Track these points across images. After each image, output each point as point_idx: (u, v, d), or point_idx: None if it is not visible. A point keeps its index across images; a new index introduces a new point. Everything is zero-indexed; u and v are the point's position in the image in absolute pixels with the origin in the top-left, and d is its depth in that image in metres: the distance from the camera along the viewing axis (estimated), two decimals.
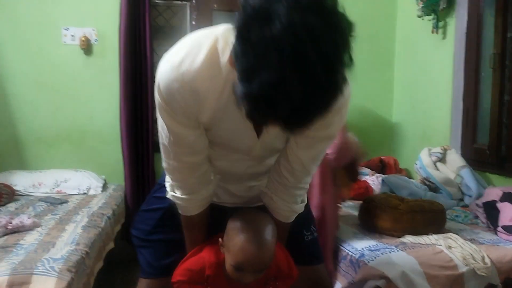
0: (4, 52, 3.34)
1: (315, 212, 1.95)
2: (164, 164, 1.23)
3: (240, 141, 1.17)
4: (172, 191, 1.26)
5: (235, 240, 1.14)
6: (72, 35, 3.41)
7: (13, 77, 3.36)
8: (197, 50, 1.00)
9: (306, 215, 1.42)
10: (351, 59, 0.82)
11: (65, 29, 3.40)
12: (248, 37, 0.79)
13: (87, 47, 3.42)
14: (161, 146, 1.18)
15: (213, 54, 0.99)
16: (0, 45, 3.34)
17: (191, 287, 1.22)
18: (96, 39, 3.46)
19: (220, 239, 1.21)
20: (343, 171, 2.17)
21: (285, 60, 0.76)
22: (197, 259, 1.25)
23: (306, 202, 1.37)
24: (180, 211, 1.29)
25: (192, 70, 0.99)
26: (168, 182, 1.27)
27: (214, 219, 1.33)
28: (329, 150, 1.94)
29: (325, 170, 2.00)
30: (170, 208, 1.31)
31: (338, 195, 2.21)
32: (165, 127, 1.10)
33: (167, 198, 1.29)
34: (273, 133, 1.13)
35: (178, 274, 1.25)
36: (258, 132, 1.14)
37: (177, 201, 1.26)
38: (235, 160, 1.25)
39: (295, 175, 1.22)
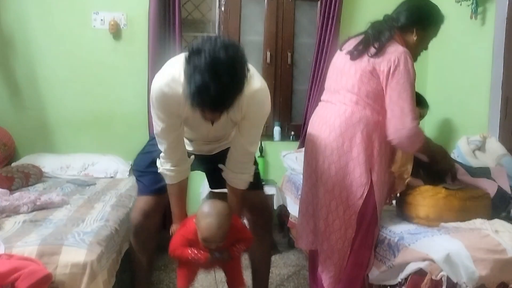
0: (35, 35, 3.35)
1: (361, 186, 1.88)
2: (160, 147, 1.84)
3: (202, 129, 1.88)
4: (162, 166, 1.85)
5: (201, 223, 1.73)
6: (102, 19, 3.40)
7: (43, 60, 3.38)
8: (169, 78, 1.68)
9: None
10: (244, 76, 1.52)
11: (95, 13, 3.40)
12: (189, 61, 1.50)
13: (116, 32, 3.40)
14: (156, 135, 1.82)
15: (178, 77, 1.64)
16: (32, 28, 3.35)
17: (184, 249, 1.80)
18: (125, 24, 3.44)
19: (194, 220, 1.78)
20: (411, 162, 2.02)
21: (206, 71, 1.44)
22: (184, 230, 1.84)
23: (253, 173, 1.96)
24: (167, 181, 1.87)
25: (170, 89, 1.67)
26: (159, 162, 1.87)
27: (196, 160, 1.97)
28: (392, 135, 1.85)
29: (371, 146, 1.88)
30: (160, 152, 1.87)
31: (390, 187, 2.06)
32: (159, 121, 1.75)
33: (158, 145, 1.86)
34: (219, 126, 1.82)
35: (175, 241, 1.85)
36: (212, 123, 1.80)
37: (166, 173, 1.85)
38: (201, 135, 1.97)
39: (240, 154, 1.88)
